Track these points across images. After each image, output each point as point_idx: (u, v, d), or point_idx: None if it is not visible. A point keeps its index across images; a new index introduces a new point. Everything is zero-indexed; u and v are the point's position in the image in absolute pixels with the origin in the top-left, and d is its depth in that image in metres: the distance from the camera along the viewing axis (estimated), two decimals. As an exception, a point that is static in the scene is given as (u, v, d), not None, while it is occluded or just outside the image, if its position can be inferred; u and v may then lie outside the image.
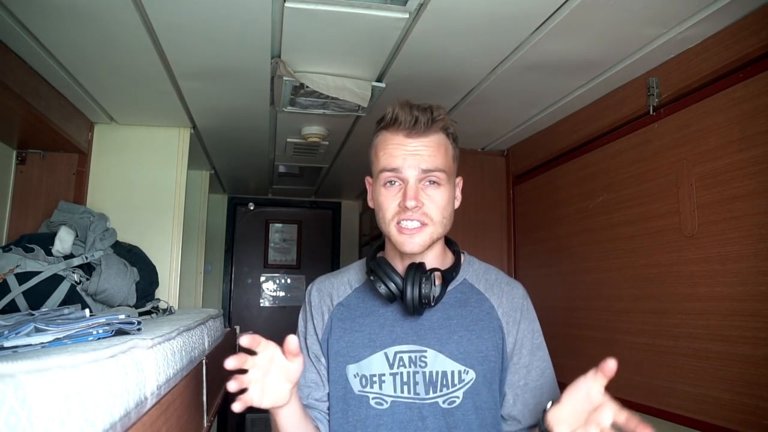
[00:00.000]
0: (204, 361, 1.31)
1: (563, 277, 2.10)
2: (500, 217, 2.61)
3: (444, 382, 0.98)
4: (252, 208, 4.11)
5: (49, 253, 1.65)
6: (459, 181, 1.05)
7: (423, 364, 0.99)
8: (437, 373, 0.98)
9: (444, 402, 0.98)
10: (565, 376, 2.06)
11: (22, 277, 1.53)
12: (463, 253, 1.12)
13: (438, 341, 1.00)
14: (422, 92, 1.88)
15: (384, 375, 0.99)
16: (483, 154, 2.64)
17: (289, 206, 4.22)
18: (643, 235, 1.66)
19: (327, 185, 3.64)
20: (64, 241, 1.67)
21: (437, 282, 0.99)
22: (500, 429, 1.02)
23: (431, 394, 0.98)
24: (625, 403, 1.78)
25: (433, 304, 0.97)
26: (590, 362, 2.10)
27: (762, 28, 1.29)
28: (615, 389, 1.87)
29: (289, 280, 4.18)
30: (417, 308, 0.96)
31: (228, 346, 2.14)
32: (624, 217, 1.75)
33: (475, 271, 1.11)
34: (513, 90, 1.85)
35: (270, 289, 4.15)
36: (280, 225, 4.23)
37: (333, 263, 4.24)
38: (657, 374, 1.57)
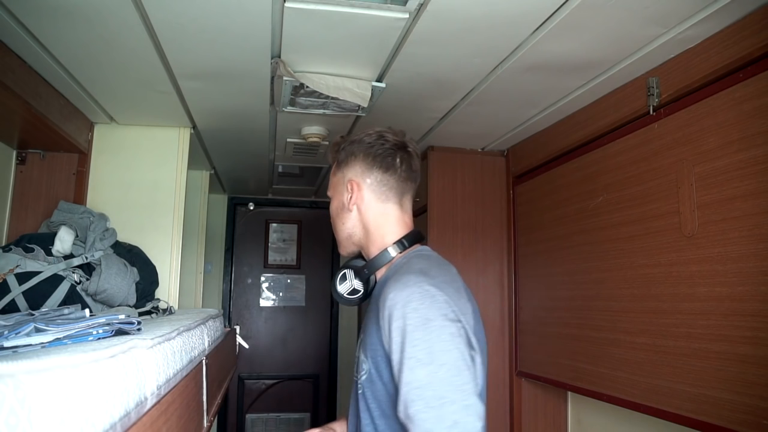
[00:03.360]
0: (204, 361, 1.31)
1: (563, 277, 2.10)
2: (500, 217, 2.61)
3: (356, 368, 1.08)
4: (252, 208, 4.11)
5: (49, 253, 1.65)
6: (348, 183, 1.15)
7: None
8: (356, 357, 1.10)
9: (358, 385, 1.06)
10: (565, 376, 2.08)
11: (22, 277, 1.53)
12: (413, 252, 1.13)
13: (363, 330, 1.10)
14: (422, 92, 1.88)
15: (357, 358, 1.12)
16: (483, 154, 2.64)
17: (288, 206, 4.22)
18: (643, 235, 1.65)
19: (327, 185, 3.64)
20: (64, 241, 1.67)
21: (354, 279, 1.16)
22: (398, 423, 0.92)
23: (355, 376, 1.09)
24: (626, 403, 1.79)
25: (335, 297, 1.20)
26: (591, 362, 2.11)
27: (762, 28, 1.29)
28: (615, 389, 1.88)
29: (289, 280, 4.18)
30: (337, 300, 1.19)
31: (228, 346, 2.14)
32: (624, 217, 1.75)
33: (399, 268, 1.07)
34: (513, 90, 1.85)
35: (270, 289, 4.15)
36: (279, 225, 4.23)
37: (333, 263, 4.24)
38: (657, 374, 1.57)
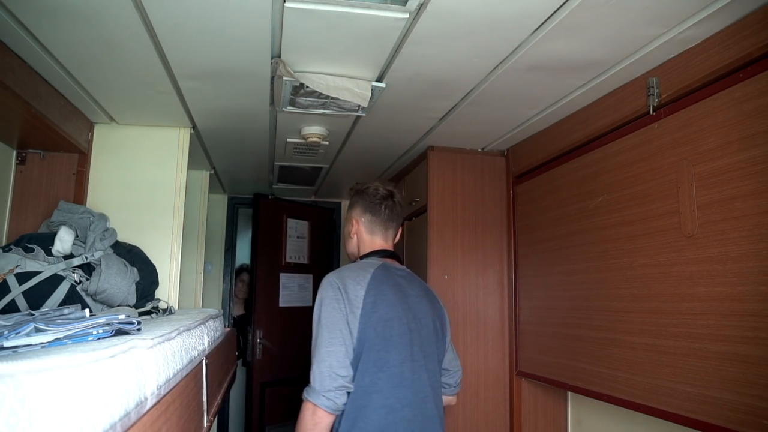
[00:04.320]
0: (204, 361, 1.31)
1: (563, 277, 2.10)
2: (500, 217, 2.61)
3: None
4: (271, 197, 3.88)
5: (49, 253, 1.65)
6: (352, 219, 1.67)
7: None
8: None
9: None
10: (565, 376, 2.08)
11: (22, 277, 1.53)
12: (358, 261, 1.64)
13: None
14: (422, 92, 1.88)
15: None
16: (483, 154, 2.64)
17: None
18: (643, 235, 1.65)
19: (327, 185, 3.64)
20: (64, 241, 1.67)
21: None
22: None
23: None
24: (626, 403, 1.79)
25: None
26: (591, 362, 2.10)
27: (762, 28, 1.29)
28: (615, 389, 1.88)
29: (300, 280, 3.99)
30: None
31: (229, 346, 2.14)
32: (624, 217, 1.75)
33: None
34: (513, 90, 1.85)
35: (287, 288, 3.91)
36: (294, 221, 3.98)
37: (334, 264, 4.23)
38: (657, 374, 1.57)
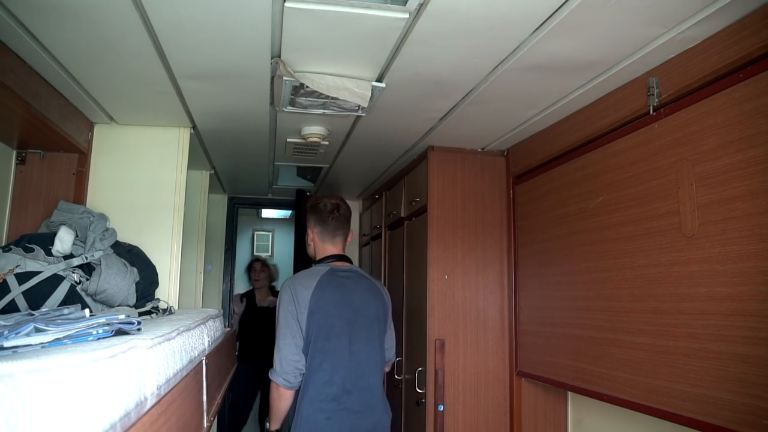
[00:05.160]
0: (204, 361, 1.31)
1: (563, 277, 2.10)
2: (500, 217, 2.61)
3: None
4: (308, 194, 3.89)
5: (49, 253, 1.65)
6: (308, 229, 2.06)
7: None
8: None
9: None
10: (565, 376, 2.08)
11: (22, 277, 1.54)
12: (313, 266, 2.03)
13: None
14: (422, 92, 1.88)
15: None
16: (483, 154, 2.64)
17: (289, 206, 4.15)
18: (643, 235, 1.65)
19: (327, 185, 3.64)
20: (64, 241, 1.68)
21: None
22: None
23: None
24: (626, 403, 1.79)
25: None
26: (591, 362, 2.10)
27: (762, 28, 1.29)
28: (615, 389, 1.88)
29: None
30: None
31: (229, 346, 2.14)
32: (624, 217, 1.75)
33: None
34: (513, 90, 1.85)
35: None
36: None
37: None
38: (657, 374, 1.57)
